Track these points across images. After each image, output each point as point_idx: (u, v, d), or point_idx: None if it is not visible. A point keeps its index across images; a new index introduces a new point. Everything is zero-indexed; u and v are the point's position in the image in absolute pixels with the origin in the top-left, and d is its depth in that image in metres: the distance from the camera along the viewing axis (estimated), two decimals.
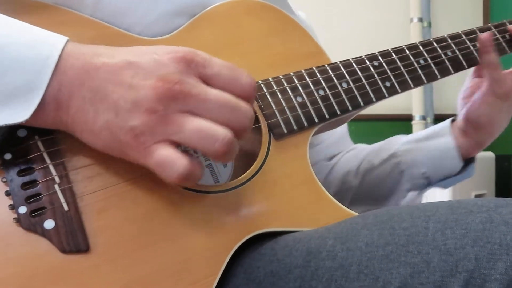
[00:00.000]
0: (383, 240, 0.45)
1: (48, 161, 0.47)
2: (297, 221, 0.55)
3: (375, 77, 0.66)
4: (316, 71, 0.64)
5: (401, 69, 0.68)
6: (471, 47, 0.75)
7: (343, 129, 0.92)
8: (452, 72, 0.72)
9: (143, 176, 0.50)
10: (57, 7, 0.55)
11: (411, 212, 0.48)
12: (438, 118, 2.26)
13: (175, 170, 0.44)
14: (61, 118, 0.46)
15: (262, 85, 0.60)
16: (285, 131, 0.59)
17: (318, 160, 0.89)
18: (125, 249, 0.47)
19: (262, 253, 0.52)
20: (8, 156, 0.47)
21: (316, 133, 0.63)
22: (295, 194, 0.57)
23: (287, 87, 0.61)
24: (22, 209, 0.45)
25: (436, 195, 1.86)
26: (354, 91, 0.64)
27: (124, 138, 0.44)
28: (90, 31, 0.56)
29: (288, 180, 0.57)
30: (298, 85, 0.62)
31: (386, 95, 0.66)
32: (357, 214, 0.55)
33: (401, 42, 0.72)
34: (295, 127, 0.60)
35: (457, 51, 0.73)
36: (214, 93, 0.45)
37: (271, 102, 0.60)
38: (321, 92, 0.63)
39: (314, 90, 0.62)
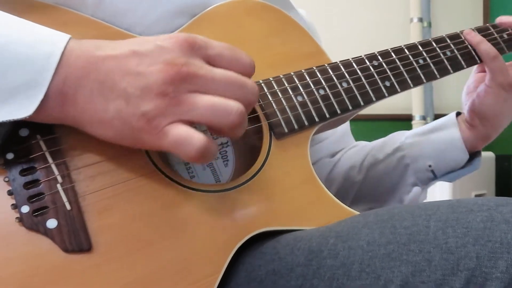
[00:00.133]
0: (385, 238, 0.46)
1: (50, 160, 0.48)
2: (298, 220, 0.55)
3: (374, 77, 0.66)
4: (316, 70, 0.64)
5: (400, 69, 0.68)
6: (469, 46, 0.75)
7: (345, 126, 0.92)
8: (451, 71, 0.73)
9: (144, 176, 0.50)
10: (58, 7, 0.55)
11: (412, 211, 0.48)
12: (438, 118, 2.26)
13: (193, 145, 0.44)
14: (67, 112, 0.46)
15: (262, 84, 0.60)
16: (286, 130, 0.59)
17: (321, 158, 0.89)
18: (127, 249, 0.47)
19: (264, 252, 0.53)
20: (10, 156, 0.47)
21: (316, 133, 0.63)
22: (296, 193, 0.57)
23: (287, 87, 0.61)
24: (25, 209, 0.45)
25: (436, 195, 1.86)
26: (354, 91, 0.64)
27: (137, 124, 0.45)
28: (92, 31, 0.56)
29: (289, 179, 0.57)
30: (298, 84, 0.62)
31: (386, 94, 0.67)
32: (358, 213, 0.55)
33: (401, 42, 0.72)
34: (296, 127, 0.60)
35: (455, 51, 0.74)
36: (220, 72, 0.47)
37: (271, 101, 0.60)
38: (322, 92, 0.63)
39: (314, 90, 0.62)
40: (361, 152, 0.88)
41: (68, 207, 0.46)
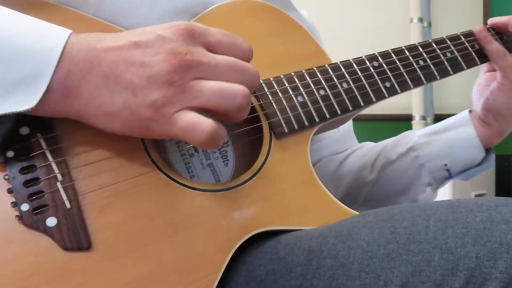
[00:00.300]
0: (384, 238, 0.46)
1: (50, 158, 0.48)
2: (298, 219, 0.55)
3: (375, 77, 0.66)
4: (316, 71, 0.64)
5: (400, 70, 0.69)
6: (469, 48, 0.75)
7: (348, 125, 0.92)
8: (451, 73, 0.73)
9: (145, 175, 0.50)
10: (59, 5, 0.55)
11: (412, 211, 0.48)
12: (438, 118, 2.25)
13: (203, 129, 0.45)
14: (71, 105, 0.46)
15: (263, 84, 0.61)
16: (286, 130, 0.59)
17: (324, 156, 0.89)
18: (127, 247, 0.47)
19: (264, 251, 0.53)
20: (10, 154, 0.47)
21: (317, 133, 0.63)
22: (296, 193, 0.57)
23: (288, 87, 0.62)
24: (25, 207, 0.45)
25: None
26: (354, 91, 0.65)
27: (146, 114, 0.45)
28: (92, 30, 0.56)
29: (289, 179, 0.57)
30: (299, 84, 0.62)
31: (386, 95, 0.67)
32: (358, 213, 0.56)
33: (401, 42, 0.72)
34: (296, 127, 0.60)
35: (455, 52, 0.74)
36: (221, 58, 0.48)
37: (272, 101, 0.60)
38: (322, 92, 0.63)
39: (314, 90, 0.63)
40: (371, 152, 0.87)
41: (68, 205, 0.46)
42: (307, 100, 0.62)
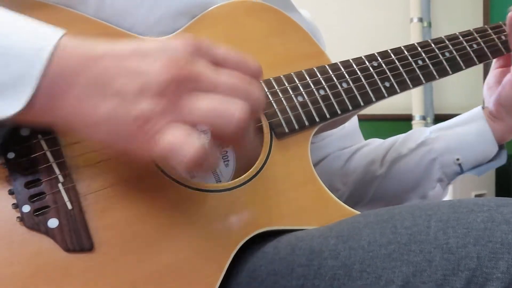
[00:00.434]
0: (385, 239, 0.46)
1: (51, 159, 0.48)
2: (299, 219, 0.56)
3: (374, 77, 0.67)
4: (316, 71, 0.64)
5: (400, 69, 0.69)
6: (467, 47, 0.75)
7: (354, 123, 0.91)
8: (450, 72, 0.73)
9: (146, 175, 0.50)
10: (58, 6, 0.55)
11: (413, 211, 0.48)
12: (438, 118, 2.26)
13: (185, 153, 0.40)
14: (57, 111, 0.43)
15: (263, 84, 0.61)
16: (286, 130, 0.59)
17: (330, 152, 0.88)
18: (128, 248, 0.47)
19: (265, 251, 0.53)
20: (11, 155, 0.47)
21: (316, 133, 0.63)
22: (297, 193, 0.57)
23: (288, 87, 0.62)
24: (26, 208, 0.45)
25: None
26: (354, 91, 0.65)
27: (129, 127, 0.41)
28: (92, 30, 0.56)
29: (290, 179, 0.57)
30: (299, 84, 0.62)
31: (386, 95, 0.67)
32: (359, 212, 0.56)
33: (401, 42, 0.72)
34: (296, 127, 0.60)
35: (454, 52, 0.74)
36: (225, 74, 0.44)
37: (272, 101, 0.60)
38: (322, 92, 0.63)
39: (314, 90, 0.63)
40: (380, 148, 0.86)
41: (69, 206, 0.46)
42: (307, 100, 0.62)
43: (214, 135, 0.43)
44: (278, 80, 0.62)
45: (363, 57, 0.68)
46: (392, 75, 0.68)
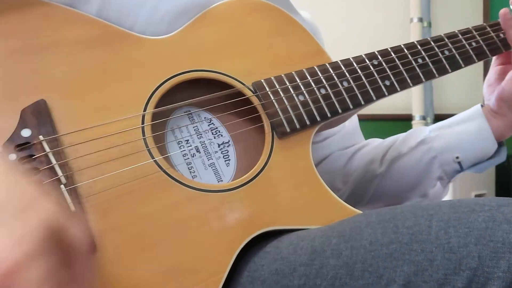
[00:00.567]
0: (387, 238, 0.46)
1: (53, 161, 0.47)
2: (301, 219, 0.56)
3: (375, 76, 0.67)
4: (317, 70, 0.64)
5: (400, 68, 0.69)
6: (467, 46, 0.76)
7: (355, 121, 0.92)
8: (450, 70, 0.73)
9: (148, 176, 0.50)
10: (59, 5, 0.55)
11: (414, 211, 0.48)
12: (438, 118, 2.25)
13: None
14: None
15: (264, 83, 0.61)
16: (288, 130, 0.59)
17: (332, 151, 0.88)
18: (131, 250, 0.47)
19: (267, 251, 0.53)
20: (13, 157, 0.47)
21: (317, 132, 0.63)
22: (299, 193, 0.57)
23: (289, 86, 0.62)
24: None
25: None
26: (354, 90, 0.65)
27: None
28: (93, 30, 0.56)
29: (292, 178, 0.58)
30: (299, 83, 0.62)
31: (386, 93, 0.67)
32: (361, 212, 0.56)
33: (401, 42, 0.73)
34: (297, 126, 0.60)
35: (453, 50, 0.74)
36: None
37: (273, 100, 0.60)
38: (323, 91, 0.63)
39: (315, 89, 0.63)
40: (380, 147, 0.86)
41: (72, 208, 0.46)
42: (308, 99, 0.62)
43: None
44: (279, 79, 0.62)
45: (363, 55, 0.68)
46: (392, 74, 0.68)
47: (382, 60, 0.68)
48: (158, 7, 0.60)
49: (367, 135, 0.95)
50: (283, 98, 0.61)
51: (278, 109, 0.60)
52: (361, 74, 0.66)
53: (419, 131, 0.85)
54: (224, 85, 0.61)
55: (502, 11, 0.77)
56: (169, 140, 0.59)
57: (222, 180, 0.61)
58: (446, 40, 0.75)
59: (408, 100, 2.30)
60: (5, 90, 0.50)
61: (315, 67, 0.64)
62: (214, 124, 0.61)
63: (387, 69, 0.68)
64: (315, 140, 0.62)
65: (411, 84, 0.69)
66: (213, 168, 0.61)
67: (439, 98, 2.33)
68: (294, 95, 0.61)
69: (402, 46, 0.71)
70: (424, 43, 0.73)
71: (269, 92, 0.60)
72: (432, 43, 0.73)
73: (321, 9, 2.20)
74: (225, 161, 0.62)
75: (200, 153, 0.60)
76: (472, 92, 2.23)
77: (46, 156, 0.47)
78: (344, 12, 2.28)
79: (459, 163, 0.79)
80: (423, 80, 0.70)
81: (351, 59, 0.67)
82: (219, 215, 0.51)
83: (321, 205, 0.57)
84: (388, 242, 0.45)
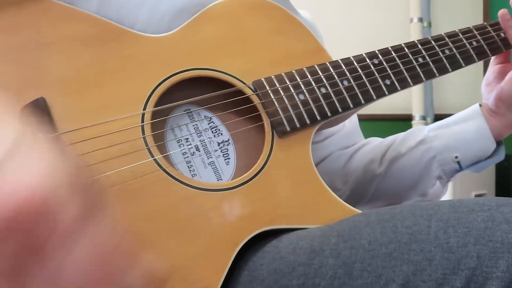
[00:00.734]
0: (386, 238, 0.46)
1: None
2: (300, 218, 0.55)
3: (375, 75, 0.67)
4: (317, 69, 0.64)
5: (400, 67, 0.69)
6: (467, 45, 0.76)
7: (354, 121, 0.92)
8: (450, 70, 0.73)
9: (148, 175, 0.50)
10: (58, 2, 0.55)
11: (413, 211, 0.48)
12: (438, 118, 2.25)
13: None
14: None
15: (264, 82, 0.61)
16: (288, 129, 0.59)
17: (332, 151, 0.88)
18: None
19: (266, 250, 0.53)
20: None
21: (317, 131, 0.63)
22: (298, 192, 0.57)
23: (289, 85, 0.62)
24: None
25: None
26: (355, 89, 0.65)
27: None
28: (92, 27, 0.56)
29: (291, 177, 0.58)
30: (300, 82, 0.62)
31: (386, 92, 0.67)
32: (360, 211, 0.56)
33: (401, 42, 0.73)
34: (298, 125, 0.60)
35: (454, 49, 0.74)
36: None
37: (273, 99, 0.60)
38: (323, 90, 0.63)
39: (315, 88, 0.63)
40: (380, 146, 0.87)
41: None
42: (309, 98, 0.62)
43: None
44: (279, 78, 0.62)
45: (364, 54, 0.68)
46: (393, 73, 0.68)
47: (382, 59, 0.68)
48: (157, 7, 0.60)
49: (367, 135, 0.95)
50: (283, 97, 0.61)
51: (278, 108, 0.60)
52: (361, 73, 0.66)
53: (418, 130, 0.85)
54: (224, 84, 0.61)
55: (501, 12, 0.77)
56: (169, 139, 0.59)
57: (221, 179, 0.61)
58: (447, 39, 0.75)
59: (408, 100, 2.30)
60: (5, 86, 0.50)
61: (315, 66, 0.64)
62: (214, 123, 0.61)
63: (388, 68, 0.68)
64: (315, 140, 0.62)
65: (411, 84, 0.69)
66: (213, 166, 0.61)
67: (439, 98, 2.33)
68: (294, 94, 0.61)
69: (403, 45, 0.71)
70: (424, 42, 0.73)
71: (269, 91, 0.60)
72: (432, 42, 0.73)
73: (321, 9, 2.20)
74: (224, 160, 0.62)
75: (199, 151, 0.60)
76: (472, 92, 2.23)
77: None
78: (344, 12, 2.28)
79: (458, 162, 0.79)
80: (424, 79, 0.70)
81: (352, 58, 0.67)
82: (219, 214, 0.51)
83: (320, 205, 0.57)
84: (387, 241, 0.45)
